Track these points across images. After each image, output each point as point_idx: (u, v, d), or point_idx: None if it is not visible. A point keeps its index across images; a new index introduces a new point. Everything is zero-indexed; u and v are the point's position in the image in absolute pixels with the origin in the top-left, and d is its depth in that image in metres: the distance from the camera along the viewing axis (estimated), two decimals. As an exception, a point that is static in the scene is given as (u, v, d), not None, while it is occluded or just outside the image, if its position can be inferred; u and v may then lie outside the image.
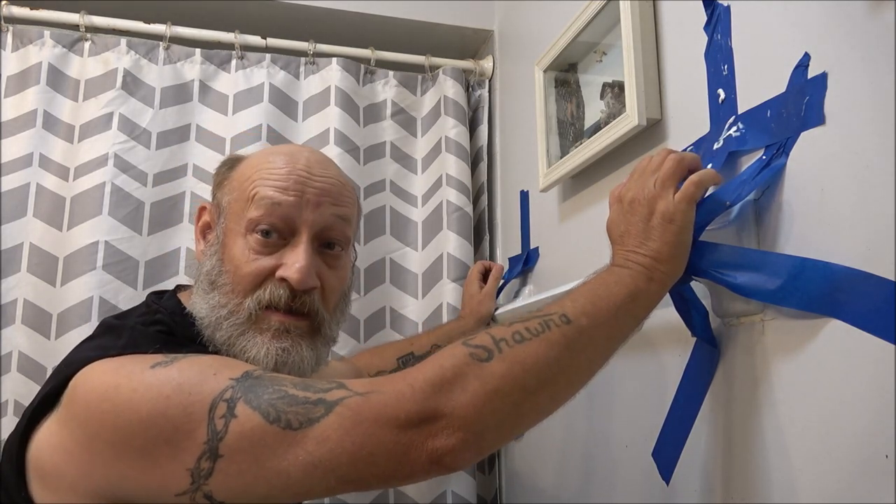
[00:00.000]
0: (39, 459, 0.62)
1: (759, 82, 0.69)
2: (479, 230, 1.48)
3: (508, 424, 0.56)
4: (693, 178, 0.65)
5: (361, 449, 0.53)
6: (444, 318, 1.33)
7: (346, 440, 0.53)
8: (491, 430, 0.55)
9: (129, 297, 1.19)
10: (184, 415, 0.56)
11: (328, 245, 0.76)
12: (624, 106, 0.88)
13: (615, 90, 0.95)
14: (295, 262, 0.71)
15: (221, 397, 0.56)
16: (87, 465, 0.59)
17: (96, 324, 1.11)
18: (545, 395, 0.58)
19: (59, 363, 0.70)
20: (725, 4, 0.74)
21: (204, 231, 0.80)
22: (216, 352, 0.72)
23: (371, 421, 0.53)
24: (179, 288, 0.84)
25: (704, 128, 0.77)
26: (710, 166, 0.71)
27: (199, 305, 0.74)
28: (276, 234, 0.73)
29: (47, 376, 0.76)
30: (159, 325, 0.72)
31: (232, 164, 0.81)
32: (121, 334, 0.68)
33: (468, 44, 1.60)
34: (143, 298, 1.10)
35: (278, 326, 0.72)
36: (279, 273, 0.72)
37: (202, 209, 0.81)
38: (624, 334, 0.64)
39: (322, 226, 0.74)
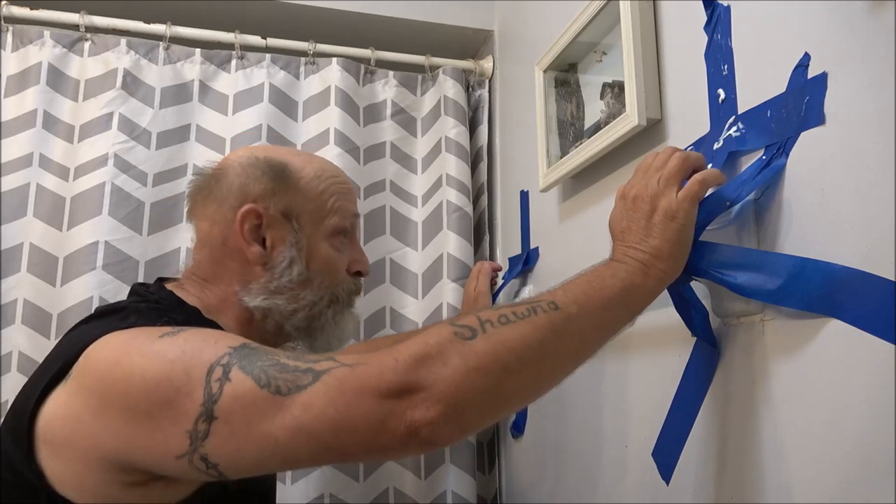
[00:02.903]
0: (49, 431, 0.64)
1: (759, 82, 0.69)
2: (479, 230, 1.48)
3: (490, 403, 0.57)
4: (697, 176, 0.66)
5: (344, 416, 0.55)
6: (444, 318, 1.33)
7: (329, 407, 0.55)
8: (471, 407, 0.56)
9: (129, 297, 1.20)
10: (185, 377, 0.59)
11: None
12: (624, 106, 0.88)
13: (615, 90, 0.95)
14: (362, 258, 0.91)
15: (219, 362, 0.59)
16: (99, 432, 0.62)
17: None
18: (527, 376, 0.58)
19: (61, 342, 0.73)
20: (725, 4, 0.74)
21: (253, 235, 0.81)
22: (288, 337, 0.85)
23: (354, 390, 0.55)
24: (163, 280, 0.86)
25: (704, 128, 0.77)
26: (710, 166, 0.71)
27: (281, 304, 0.82)
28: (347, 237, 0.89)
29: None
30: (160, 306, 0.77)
31: (281, 168, 0.84)
32: (126, 316, 0.71)
33: (468, 44, 1.60)
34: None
35: (354, 304, 0.90)
36: (356, 268, 0.89)
37: (250, 213, 0.80)
38: (615, 327, 0.64)
39: None
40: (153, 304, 0.77)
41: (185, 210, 0.89)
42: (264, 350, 0.62)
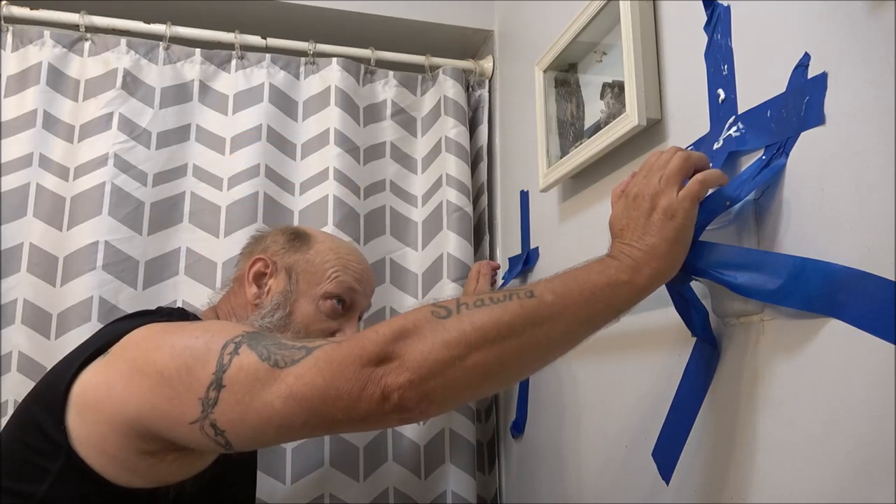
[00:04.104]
0: (82, 395, 0.72)
1: (759, 82, 0.69)
2: (479, 230, 1.48)
3: (452, 375, 0.60)
4: (698, 176, 0.66)
5: (330, 384, 0.61)
6: (444, 318, 1.33)
7: (317, 377, 0.61)
8: (435, 377, 0.60)
9: (129, 297, 1.20)
10: (204, 349, 0.67)
11: (359, 316, 1.05)
12: (624, 106, 0.88)
13: (615, 90, 0.95)
14: (353, 332, 0.99)
15: (233, 340, 0.68)
16: (126, 396, 0.69)
17: (96, 324, 1.12)
18: (490, 353, 0.60)
19: (101, 330, 0.83)
20: (725, 4, 0.74)
21: (256, 278, 0.98)
22: None
23: (339, 361, 0.61)
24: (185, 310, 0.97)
25: (704, 128, 0.77)
26: (710, 167, 0.71)
27: None
28: (343, 307, 0.99)
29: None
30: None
31: (300, 237, 1.02)
32: (162, 315, 0.84)
33: (468, 44, 1.60)
34: (143, 298, 1.19)
35: None
36: (339, 336, 0.97)
37: (258, 261, 0.99)
38: (596, 321, 0.64)
39: (366, 308, 1.07)
40: (182, 316, 0.89)
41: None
42: (272, 334, 0.73)
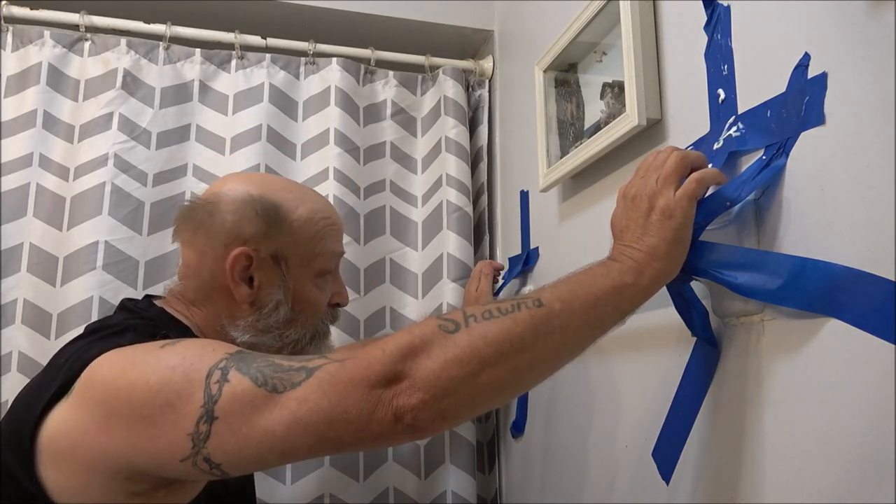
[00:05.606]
0: (53, 444, 0.66)
1: (759, 82, 0.69)
2: (479, 230, 1.48)
3: (468, 392, 0.59)
4: (695, 175, 0.66)
5: (336, 406, 0.58)
6: (444, 319, 1.33)
7: (322, 400, 0.58)
8: (450, 395, 0.58)
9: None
10: (185, 381, 0.62)
11: None
12: (624, 106, 0.88)
13: (615, 90, 0.95)
14: (343, 290, 0.96)
15: (217, 366, 0.62)
16: (105, 441, 0.64)
17: (96, 324, 1.12)
18: (505, 368, 0.59)
19: (60, 358, 0.74)
20: (725, 4, 0.74)
21: (242, 275, 0.84)
22: None
23: (345, 382, 0.58)
24: (150, 298, 0.89)
25: (704, 128, 0.77)
26: (710, 166, 0.71)
27: (267, 342, 0.86)
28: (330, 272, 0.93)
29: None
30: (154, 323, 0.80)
31: (274, 212, 0.85)
32: (123, 332, 0.74)
33: (468, 44, 1.60)
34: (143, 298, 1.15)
35: (329, 333, 0.96)
36: (336, 300, 0.95)
37: (241, 255, 0.83)
38: (603, 325, 0.64)
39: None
40: (148, 321, 0.79)
41: (172, 230, 0.89)
42: (260, 354, 0.66)
